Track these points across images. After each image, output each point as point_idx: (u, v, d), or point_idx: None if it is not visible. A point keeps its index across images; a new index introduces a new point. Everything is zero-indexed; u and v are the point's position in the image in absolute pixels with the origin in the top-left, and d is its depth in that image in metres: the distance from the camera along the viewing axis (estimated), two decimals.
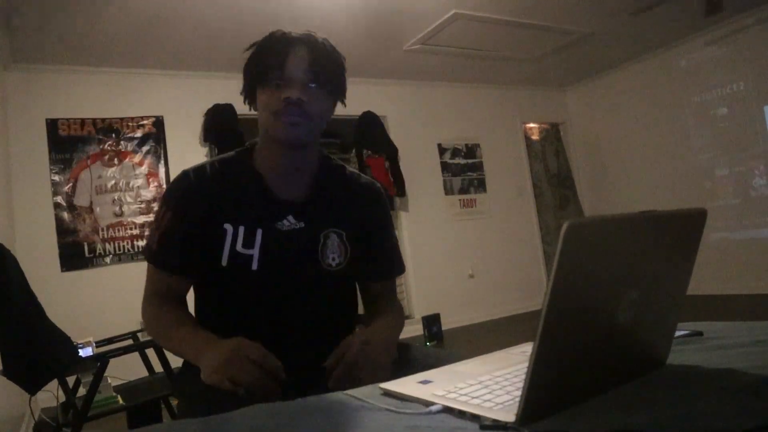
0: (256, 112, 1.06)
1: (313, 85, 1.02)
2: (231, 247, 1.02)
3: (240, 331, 1.00)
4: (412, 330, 4.96)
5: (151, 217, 4.14)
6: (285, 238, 1.04)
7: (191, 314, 1.08)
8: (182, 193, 1.05)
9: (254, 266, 1.02)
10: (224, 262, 1.02)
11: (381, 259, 1.18)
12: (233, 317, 1.06)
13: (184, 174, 1.07)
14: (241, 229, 1.03)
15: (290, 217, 1.06)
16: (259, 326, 1.03)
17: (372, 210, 1.17)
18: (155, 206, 4.16)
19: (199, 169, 1.07)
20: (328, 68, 1.04)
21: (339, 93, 1.09)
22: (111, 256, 3.98)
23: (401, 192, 5.17)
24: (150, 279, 1.07)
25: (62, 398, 1.93)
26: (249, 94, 1.06)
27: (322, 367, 0.98)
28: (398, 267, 1.22)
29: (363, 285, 1.20)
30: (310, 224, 1.07)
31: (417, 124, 5.45)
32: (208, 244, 1.03)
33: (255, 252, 1.02)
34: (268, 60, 1.01)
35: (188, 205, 1.04)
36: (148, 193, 4.17)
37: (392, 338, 1.08)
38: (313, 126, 1.04)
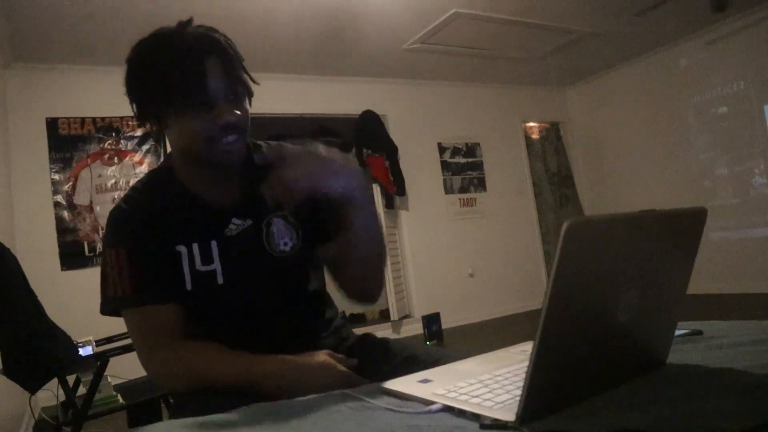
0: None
1: (239, 98, 0.92)
2: (191, 268, 0.94)
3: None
4: (412, 329, 4.96)
5: None
6: (237, 242, 0.97)
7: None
8: (124, 228, 0.95)
9: (219, 280, 0.95)
10: (189, 286, 0.94)
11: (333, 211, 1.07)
12: (207, 336, 0.96)
13: (117, 209, 0.97)
14: (195, 247, 0.94)
15: (234, 219, 0.97)
16: (236, 337, 0.97)
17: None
18: None
19: (128, 200, 0.97)
20: (241, 72, 0.93)
21: (251, 91, 0.97)
22: None
23: (401, 191, 5.17)
24: (139, 328, 0.94)
25: (62, 397, 1.94)
26: (150, 115, 0.92)
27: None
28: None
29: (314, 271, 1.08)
30: (255, 218, 0.99)
31: (417, 123, 5.45)
32: (165, 272, 0.93)
33: (216, 265, 0.95)
34: (181, 79, 0.85)
35: (136, 236, 0.93)
36: None
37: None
38: (246, 138, 0.94)
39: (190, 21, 0.94)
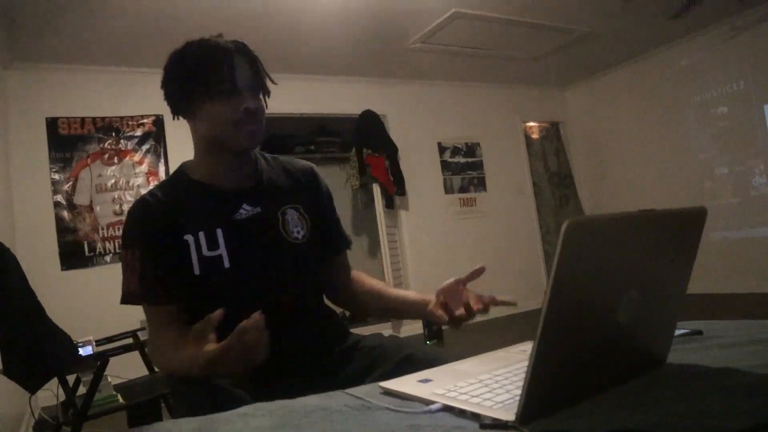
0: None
1: (258, 92, 1.06)
2: (198, 255, 1.03)
3: (226, 330, 1.00)
4: (412, 329, 4.96)
5: None
6: (246, 227, 1.06)
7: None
8: (138, 228, 1.05)
9: (226, 264, 1.03)
10: (197, 271, 1.02)
11: (333, 233, 1.23)
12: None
13: (130, 213, 1.08)
14: (202, 235, 1.04)
15: (245, 206, 1.08)
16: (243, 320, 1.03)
17: (316, 188, 1.20)
18: None
19: (141, 201, 1.08)
20: (263, 73, 1.08)
21: (267, 90, 1.12)
22: (111, 254, 3.98)
23: (401, 191, 5.16)
24: (150, 321, 1.06)
25: (62, 397, 1.93)
26: (184, 106, 1.06)
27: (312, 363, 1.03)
28: (347, 241, 1.27)
29: (323, 261, 1.21)
30: (265, 206, 1.09)
31: (417, 122, 5.44)
32: (176, 262, 1.03)
33: (222, 251, 1.03)
34: (215, 71, 1.01)
35: (147, 236, 1.04)
36: None
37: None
38: (264, 130, 1.07)
39: (219, 35, 1.08)
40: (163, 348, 1.02)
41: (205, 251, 1.03)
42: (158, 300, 1.03)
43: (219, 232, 1.04)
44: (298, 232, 1.10)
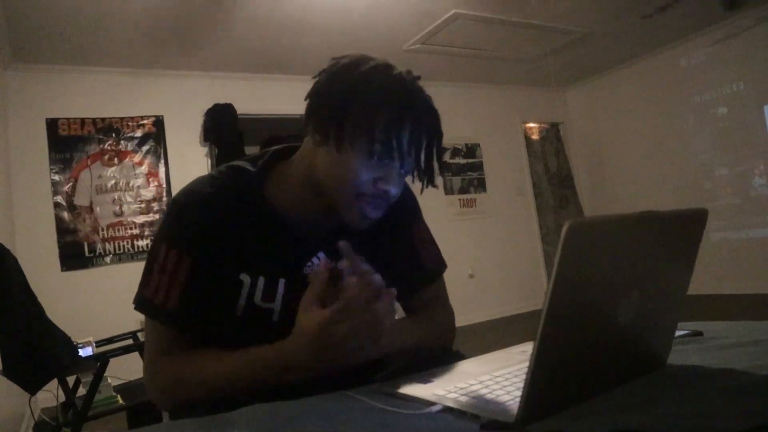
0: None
1: (409, 175, 0.86)
2: (248, 300, 0.85)
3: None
4: None
5: (151, 217, 4.14)
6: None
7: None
8: (193, 233, 0.83)
9: (275, 318, 0.86)
10: (239, 313, 0.86)
11: (411, 267, 1.01)
12: None
13: (187, 204, 0.85)
14: (261, 281, 0.85)
15: (321, 254, 0.89)
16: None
17: (395, 220, 0.97)
18: (155, 206, 4.16)
19: (200, 201, 0.85)
20: (434, 157, 0.87)
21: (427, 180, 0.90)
22: (111, 255, 3.98)
23: None
24: (157, 341, 0.86)
25: (62, 398, 1.94)
26: (324, 129, 0.82)
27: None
28: (436, 266, 1.05)
29: (405, 303, 1.02)
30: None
31: None
32: (220, 293, 0.85)
33: (276, 305, 0.86)
34: (391, 125, 0.79)
35: (202, 248, 0.83)
36: (148, 192, 4.17)
37: (404, 330, 0.89)
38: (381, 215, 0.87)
39: (418, 77, 0.88)
40: (174, 368, 0.83)
41: (257, 299, 0.85)
42: (193, 328, 0.84)
43: (281, 282, 0.86)
44: None
